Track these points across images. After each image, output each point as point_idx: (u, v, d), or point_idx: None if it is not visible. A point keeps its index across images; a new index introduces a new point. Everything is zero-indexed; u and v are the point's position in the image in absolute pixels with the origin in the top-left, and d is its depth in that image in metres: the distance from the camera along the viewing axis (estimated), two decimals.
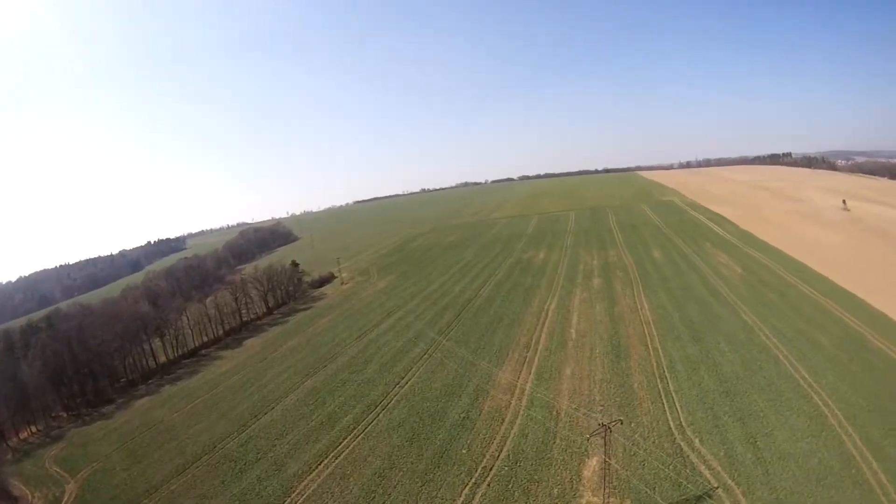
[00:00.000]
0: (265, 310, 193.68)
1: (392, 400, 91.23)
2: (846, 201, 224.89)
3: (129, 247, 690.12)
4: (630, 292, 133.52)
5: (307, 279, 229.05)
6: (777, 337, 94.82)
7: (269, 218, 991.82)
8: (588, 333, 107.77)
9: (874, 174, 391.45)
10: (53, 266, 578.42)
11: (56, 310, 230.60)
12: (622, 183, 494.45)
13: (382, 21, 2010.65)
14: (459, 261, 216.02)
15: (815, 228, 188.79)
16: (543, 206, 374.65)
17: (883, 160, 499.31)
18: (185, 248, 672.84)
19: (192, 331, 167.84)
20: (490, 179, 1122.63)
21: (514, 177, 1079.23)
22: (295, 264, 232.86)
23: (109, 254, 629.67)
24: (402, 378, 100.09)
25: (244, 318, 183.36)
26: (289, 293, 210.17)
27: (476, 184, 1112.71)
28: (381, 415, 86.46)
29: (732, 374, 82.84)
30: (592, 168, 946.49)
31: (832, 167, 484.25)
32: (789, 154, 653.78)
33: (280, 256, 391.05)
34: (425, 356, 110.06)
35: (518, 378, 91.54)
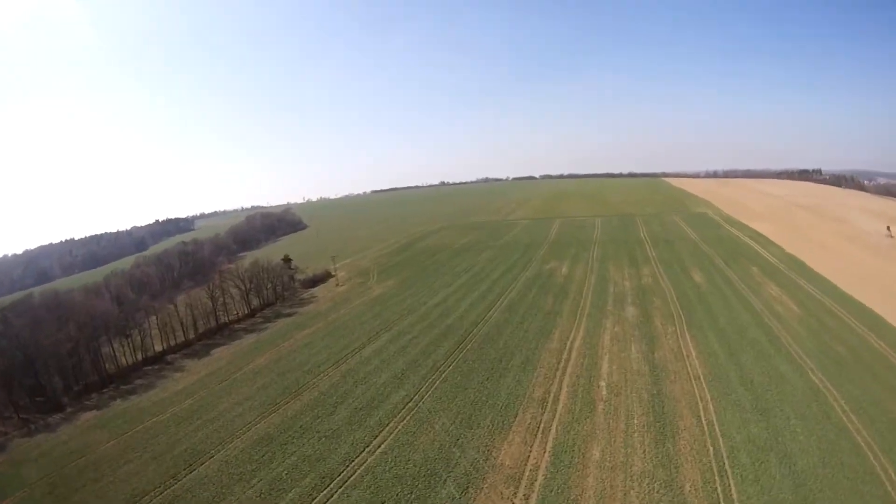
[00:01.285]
0: (247, 311, 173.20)
1: (356, 472, 67.98)
2: (890, 227, 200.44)
3: (141, 224, 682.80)
4: (672, 330, 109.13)
5: (300, 277, 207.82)
6: (856, 413, 72.05)
7: (285, 203, 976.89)
8: (623, 390, 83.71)
9: None
10: (59, 241, 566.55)
11: (29, 295, 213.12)
12: (649, 189, 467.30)
13: (407, 9, 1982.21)
14: (470, 268, 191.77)
15: (864, 256, 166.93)
16: (566, 209, 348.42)
17: None
18: (193, 230, 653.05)
19: (160, 332, 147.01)
20: (511, 176, 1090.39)
21: (536, 175, 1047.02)
22: (287, 260, 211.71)
23: (116, 230, 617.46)
24: (375, 437, 76.52)
25: (221, 320, 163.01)
26: (276, 293, 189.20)
27: (497, 180, 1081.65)
28: (335, 494, 63.65)
29: (810, 471, 59.94)
30: (617, 171, 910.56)
31: (861, 187, 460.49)
32: (819, 171, 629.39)
33: (283, 246, 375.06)
34: (410, 404, 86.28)
35: (528, 457, 67.35)
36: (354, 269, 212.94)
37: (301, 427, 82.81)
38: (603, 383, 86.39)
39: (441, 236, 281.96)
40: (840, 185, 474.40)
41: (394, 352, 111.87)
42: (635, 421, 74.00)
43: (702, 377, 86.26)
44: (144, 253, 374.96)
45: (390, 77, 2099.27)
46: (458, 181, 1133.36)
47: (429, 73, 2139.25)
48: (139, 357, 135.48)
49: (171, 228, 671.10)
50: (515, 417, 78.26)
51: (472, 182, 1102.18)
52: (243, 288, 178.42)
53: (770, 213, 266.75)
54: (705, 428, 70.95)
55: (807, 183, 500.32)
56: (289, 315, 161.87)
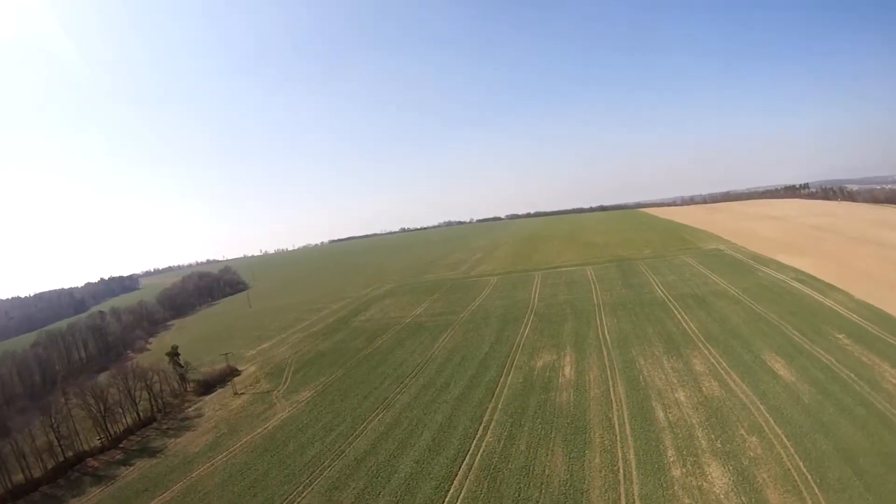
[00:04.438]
0: (109, 438, 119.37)
1: None
2: None
3: (95, 280, 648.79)
4: None
5: (194, 378, 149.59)
6: None
7: (241, 255, 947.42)
8: None
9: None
10: (6, 297, 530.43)
11: None
12: (633, 223, 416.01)
13: (361, 52, 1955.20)
14: (420, 368, 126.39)
15: None
16: (545, 256, 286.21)
17: (878, 186, 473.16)
18: (138, 289, 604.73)
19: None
20: (476, 218, 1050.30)
21: (502, 215, 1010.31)
22: (174, 354, 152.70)
23: (59, 288, 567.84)
24: None
25: (78, 448, 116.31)
26: (155, 405, 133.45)
27: (460, 223, 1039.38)
28: None
29: None
30: (587, 205, 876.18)
31: (852, 198, 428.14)
32: (807, 185, 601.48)
33: (217, 311, 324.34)
34: None
35: None
36: (268, 363, 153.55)
37: None
38: None
39: (387, 304, 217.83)
40: (827, 199, 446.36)
41: None
42: None
43: None
44: (48, 328, 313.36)
45: (349, 122, 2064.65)
46: (419, 226, 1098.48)
47: (387, 114, 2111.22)
48: None
49: (114, 287, 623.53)
50: None
51: (433, 227, 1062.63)
52: (97, 411, 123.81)
53: (794, 242, 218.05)
54: None
55: (796, 200, 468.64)
56: (153, 453, 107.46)
